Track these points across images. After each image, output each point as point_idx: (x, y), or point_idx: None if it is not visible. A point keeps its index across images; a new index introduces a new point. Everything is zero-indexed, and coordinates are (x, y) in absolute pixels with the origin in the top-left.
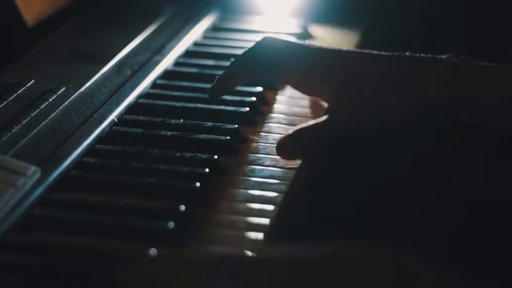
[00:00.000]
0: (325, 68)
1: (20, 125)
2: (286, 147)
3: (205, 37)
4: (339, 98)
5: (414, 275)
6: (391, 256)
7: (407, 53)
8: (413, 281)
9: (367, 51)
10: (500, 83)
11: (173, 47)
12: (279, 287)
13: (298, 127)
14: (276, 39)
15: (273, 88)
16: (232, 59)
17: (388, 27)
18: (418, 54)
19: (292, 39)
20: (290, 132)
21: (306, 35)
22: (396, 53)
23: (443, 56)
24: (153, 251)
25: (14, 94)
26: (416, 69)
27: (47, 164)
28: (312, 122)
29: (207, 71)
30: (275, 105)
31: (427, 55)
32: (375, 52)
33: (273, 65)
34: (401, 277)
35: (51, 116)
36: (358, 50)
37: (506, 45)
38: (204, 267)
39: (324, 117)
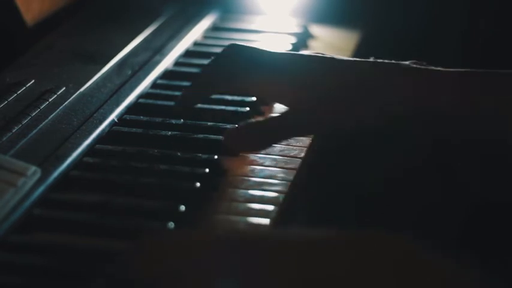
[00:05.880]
0: (305, 76)
1: (20, 125)
2: (231, 139)
3: (205, 37)
4: (319, 105)
5: (422, 261)
6: (399, 241)
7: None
8: (421, 266)
9: (340, 58)
10: (458, 90)
11: (173, 46)
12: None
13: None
14: (244, 46)
15: None
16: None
17: (388, 27)
18: (380, 60)
19: (260, 47)
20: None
21: (306, 35)
22: (371, 59)
23: (406, 62)
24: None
25: (14, 94)
26: (382, 78)
27: (47, 164)
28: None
29: None
30: (275, 105)
31: (390, 61)
32: (351, 59)
33: (243, 72)
34: (409, 262)
35: (51, 116)
36: (331, 57)
37: (506, 45)
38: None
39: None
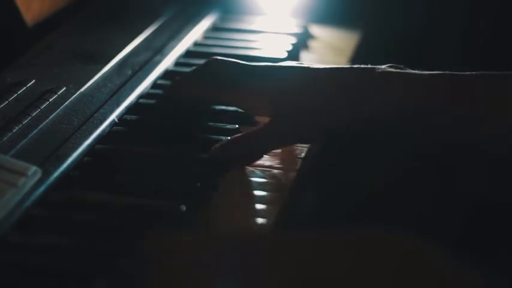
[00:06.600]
0: (259, 85)
1: (21, 125)
2: (215, 153)
3: (205, 37)
4: (272, 113)
5: (422, 261)
6: (399, 241)
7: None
8: (421, 266)
9: (303, 66)
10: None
11: (174, 47)
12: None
13: (234, 137)
14: (225, 60)
15: None
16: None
17: (388, 27)
18: (355, 66)
19: (238, 61)
20: (226, 140)
21: (306, 35)
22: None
23: (382, 66)
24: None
25: (14, 94)
26: (348, 82)
27: (47, 164)
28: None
29: None
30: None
31: (366, 66)
32: (312, 66)
33: (218, 83)
34: (409, 262)
35: (52, 116)
36: (292, 65)
37: (506, 45)
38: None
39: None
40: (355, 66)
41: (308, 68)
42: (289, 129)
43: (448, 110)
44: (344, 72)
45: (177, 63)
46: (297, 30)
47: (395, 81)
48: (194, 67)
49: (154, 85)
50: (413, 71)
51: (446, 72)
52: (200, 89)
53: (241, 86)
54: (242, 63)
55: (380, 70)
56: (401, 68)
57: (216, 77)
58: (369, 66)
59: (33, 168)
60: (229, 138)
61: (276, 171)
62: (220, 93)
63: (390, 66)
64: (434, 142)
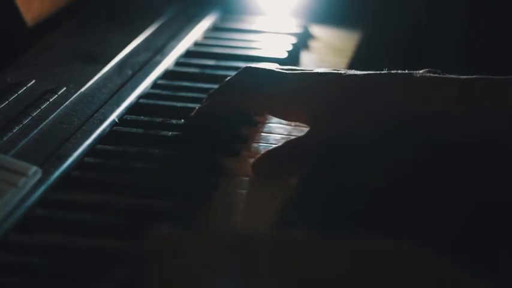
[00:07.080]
0: (298, 93)
1: (21, 125)
2: (260, 166)
3: (206, 37)
4: (312, 120)
5: (422, 262)
6: (399, 242)
7: (385, 70)
8: (421, 267)
9: (340, 71)
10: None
11: (174, 47)
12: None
13: (272, 148)
14: (256, 68)
15: None
16: (211, 91)
17: (388, 27)
18: (393, 71)
19: (273, 66)
20: (263, 152)
21: (306, 35)
22: (368, 72)
23: (420, 71)
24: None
25: (14, 94)
26: (388, 86)
27: (48, 164)
28: (283, 143)
29: (208, 71)
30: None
31: (403, 71)
32: (348, 72)
33: (251, 93)
34: (409, 263)
35: (52, 116)
36: (331, 71)
37: (506, 45)
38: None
39: (299, 136)
40: (392, 71)
41: (343, 74)
42: (330, 133)
43: (448, 110)
44: (378, 76)
45: (177, 63)
46: (297, 30)
47: (396, 81)
48: (228, 78)
49: (155, 85)
50: (449, 75)
51: (479, 76)
52: (234, 100)
53: (275, 93)
54: (275, 70)
55: (418, 75)
56: (438, 73)
57: (249, 86)
58: (406, 71)
59: (34, 168)
60: (274, 147)
61: None
62: (255, 102)
63: (428, 71)
64: (434, 142)
